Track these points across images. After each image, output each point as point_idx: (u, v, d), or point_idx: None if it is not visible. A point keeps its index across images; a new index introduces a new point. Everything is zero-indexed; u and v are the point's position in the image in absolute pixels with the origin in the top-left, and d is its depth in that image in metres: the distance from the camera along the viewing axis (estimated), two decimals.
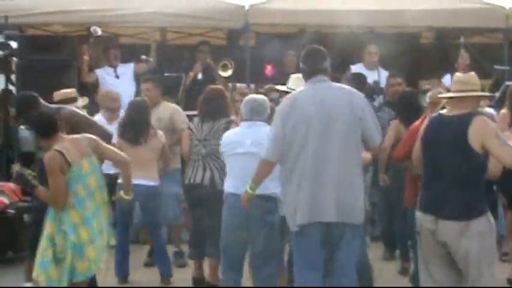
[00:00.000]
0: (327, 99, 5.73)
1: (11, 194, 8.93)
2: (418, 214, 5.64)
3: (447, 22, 10.96)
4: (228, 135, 6.76)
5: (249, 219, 6.42)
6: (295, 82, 6.97)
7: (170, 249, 8.42)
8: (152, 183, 7.85)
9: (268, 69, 10.20)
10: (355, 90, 5.94)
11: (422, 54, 11.77)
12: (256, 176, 5.98)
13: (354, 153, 5.74)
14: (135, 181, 7.35)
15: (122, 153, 6.64)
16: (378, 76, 10.16)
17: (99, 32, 10.30)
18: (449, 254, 5.53)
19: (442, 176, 5.55)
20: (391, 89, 9.30)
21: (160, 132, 8.06)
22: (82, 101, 8.91)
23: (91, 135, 6.38)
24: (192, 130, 7.69)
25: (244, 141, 6.53)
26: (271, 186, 6.32)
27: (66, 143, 6.15)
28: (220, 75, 10.61)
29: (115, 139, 7.85)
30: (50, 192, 6.07)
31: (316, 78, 5.81)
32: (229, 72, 10.68)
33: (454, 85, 5.75)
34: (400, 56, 10.99)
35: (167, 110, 8.73)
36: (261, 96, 6.85)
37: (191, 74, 10.73)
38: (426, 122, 5.82)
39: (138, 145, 7.84)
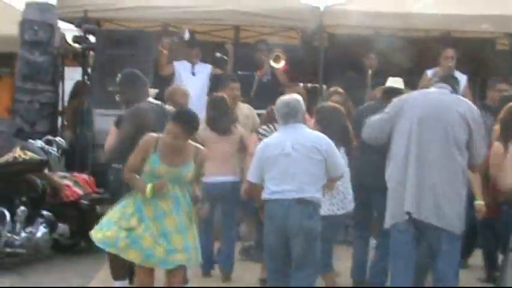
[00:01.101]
0: (439, 104, 6.10)
1: (85, 185, 9.09)
2: None
3: None
4: (265, 140, 6.56)
5: (287, 224, 6.18)
6: (394, 83, 7.70)
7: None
8: (234, 179, 8.03)
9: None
10: (471, 103, 6.27)
11: (497, 60, 11.59)
12: None
13: (457, 160, 5.96)
14: (219, 178, 7.71)
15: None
16: None
17: (187, 36, 10.43)
18: None
19: None
20: (496, 94, 8.94)
21: (239, 126, 8.22)
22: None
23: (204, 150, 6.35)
24: (260, 133, 7.82)
25: (283, 143, 6.29)
26: (310, 190, 6.20)
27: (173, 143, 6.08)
28: (273, 66, 10.64)
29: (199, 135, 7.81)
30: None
31: (439, 85, 6.30)
32: (282, 63, 10.68)
33: None
34: (475, 62, 10.88)
35: (247, 109, 9.01)
36: (294, 98, 6.51)
37: (258, 73, 10.77)
38: None
39: (223, 138, 7.98)
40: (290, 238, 6.22)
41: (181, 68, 10.66)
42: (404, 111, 6.15)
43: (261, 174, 6.38)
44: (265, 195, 6.33)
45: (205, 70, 10.69)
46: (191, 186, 6.23)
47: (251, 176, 6.47)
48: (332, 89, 8.93)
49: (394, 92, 7.49)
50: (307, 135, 6.36)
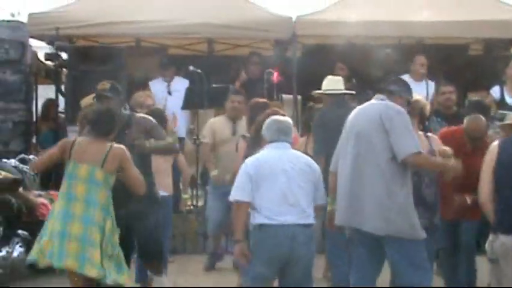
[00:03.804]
0: (363, 114, 5.99)
1: None
2: (506, 238, 5.59)
3: (496, 33, 10.85)
4: (256, 158, 5.97)
5: (291, 250, 5.79)
6: (332, 82, 7.34)
7: None
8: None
9: (275, 76, 10.30)
10: (391, 104, 5.98)
11: (470, 65, 11.64)
12: (331, 190, 6.11)
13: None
14: None
15: (141, 179, 6.46)
16: (427, 88, 9.97)
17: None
18: None
19: None
20: (442, 96, 9.02)
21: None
22: None
23: (125, 149, 6.42)
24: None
25: (278, 159, 5.89)
26: (310, 213, 5.90)
27: (88, 144, 6.38)
28: None
29: None
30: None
31: (375, 97, 6.09)
32: None
33: None
34: (448, 68, 10.92)
35: None
36: (286, 118, 6.23)
37: (237, 83, 10.74)
38: (496, 145, 5.77)
39: None
40: (289, 265, 5.85)
41: (157, 87, 10.61)
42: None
43: (251, 192, 5.84)
44: (261, 220, 5.82)
45: (182, 87, 10.64)
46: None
47: (239, 194, 5.88)
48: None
49: (331, 96, 7.41)
50: (300, 155, 6.08)
